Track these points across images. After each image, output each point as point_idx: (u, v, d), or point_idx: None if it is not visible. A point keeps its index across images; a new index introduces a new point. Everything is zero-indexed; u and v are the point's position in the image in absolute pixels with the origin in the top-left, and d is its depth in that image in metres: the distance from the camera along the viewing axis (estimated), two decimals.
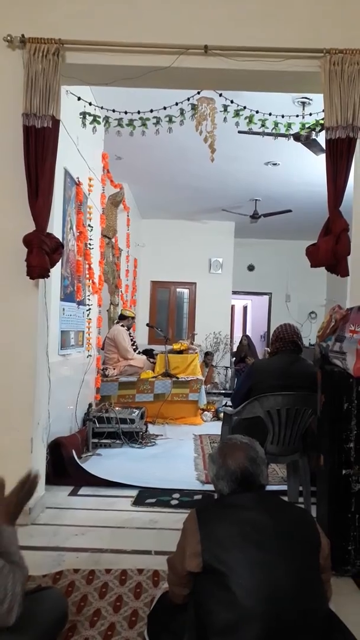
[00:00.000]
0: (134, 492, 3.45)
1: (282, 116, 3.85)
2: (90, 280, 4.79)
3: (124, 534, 2.83)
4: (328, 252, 2.76)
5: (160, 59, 2.88)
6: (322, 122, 4.10)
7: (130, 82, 3.01)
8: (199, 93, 3.49)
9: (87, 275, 4.69)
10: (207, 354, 8.73)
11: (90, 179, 4.71)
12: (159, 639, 1.66)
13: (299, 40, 2.89)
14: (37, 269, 2.79)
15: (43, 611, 1.58)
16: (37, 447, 2.97)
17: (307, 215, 7.81)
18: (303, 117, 4.20)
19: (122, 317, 6.46)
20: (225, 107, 3.61)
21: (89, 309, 4.79)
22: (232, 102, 3.58)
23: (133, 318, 6.69)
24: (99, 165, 5.20)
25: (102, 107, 3.89)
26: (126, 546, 2.64)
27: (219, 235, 9.67)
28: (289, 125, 4.04)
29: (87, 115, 3.83)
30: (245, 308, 13.53)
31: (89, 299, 4.78)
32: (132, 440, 4.74)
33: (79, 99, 3.59)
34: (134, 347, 6.61)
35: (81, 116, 3.83)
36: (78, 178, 4.22)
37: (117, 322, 6.44)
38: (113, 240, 6.47)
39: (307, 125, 4.51)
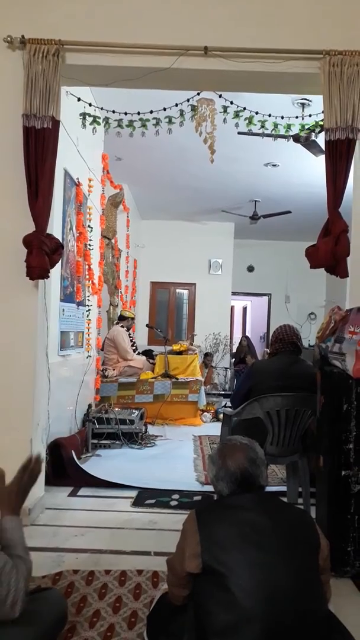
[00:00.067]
0: (134, 493, 3.45)
1: (282, 117, 3.87)
2: (90, 281, 4.79)
3: (124, 535, 2.83)
4: (327, 253, 2.77)
5: (160, 60, 2.89)
6: (321, 123, 4.11)
7: (130, 83, 3.02)
8: (198, 94, 3.50)
9: (87, 276, 4.69)
10: (206, 354, 8.72)
11: (90, 180, 4.71)
12: None
13: (299, 42, 2.90)
14: (37, 270, 2.79)
15: (43, 612, 1.58)
16: (36, 447, 2.96)
17: (307, 217, 7.82)
18: (303, 119, 4.22)
19: (121, 318, 6.46)
20: (225, 108, 3.61)
21: (89, 309, 4.79)
22: (231, 103, 3.58)
23: (133, 319, 6.69)
24: (99, 166, 5.20)
25: (102, 108, 3.89)
26: (125, 547, 2.63)
27: (218, 236, 9.67)
28: (288, 127, 4.06)
29: (87, 116, 3.84)
30: (244, 309, 13.55)
31: (88, 300, 4.78)
32: (131, 441, 4.74)
33: (79, 99, 3.59)
34: (134, 348, 6.61)
35: (81, 117, 3.84)
36: (78, 179, 4.22)
37: (117, 323, 6.44)
38: (113, 241, 6.47)
39: (306, 127, 4.52)
